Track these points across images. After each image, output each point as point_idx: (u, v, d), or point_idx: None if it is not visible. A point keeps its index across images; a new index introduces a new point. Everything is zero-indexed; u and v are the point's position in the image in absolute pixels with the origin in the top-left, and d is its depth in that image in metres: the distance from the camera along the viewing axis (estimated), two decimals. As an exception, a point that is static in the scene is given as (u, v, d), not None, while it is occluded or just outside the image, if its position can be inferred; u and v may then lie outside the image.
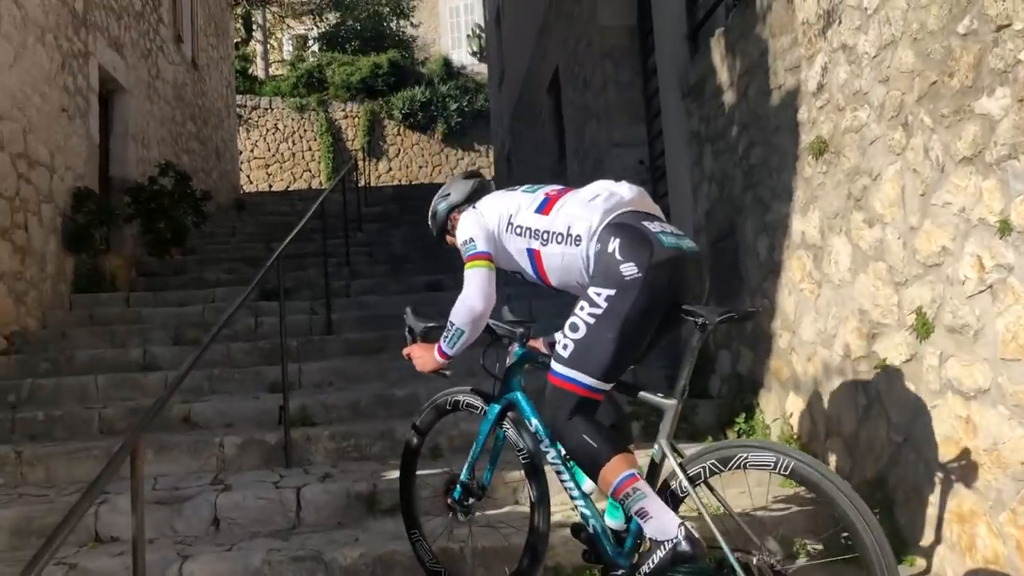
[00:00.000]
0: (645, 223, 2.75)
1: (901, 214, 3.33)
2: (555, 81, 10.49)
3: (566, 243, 2.81)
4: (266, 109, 23.15)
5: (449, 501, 3.29)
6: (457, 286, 3.06)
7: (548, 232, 2.85)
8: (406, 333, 3.35)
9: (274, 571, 3.44)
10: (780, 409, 4.48)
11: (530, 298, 6.84)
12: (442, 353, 3.07)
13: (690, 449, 2.72)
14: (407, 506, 3.52)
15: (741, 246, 4.92)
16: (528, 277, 3.01)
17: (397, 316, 7.27)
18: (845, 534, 2.68)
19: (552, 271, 2.89)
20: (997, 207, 2.77)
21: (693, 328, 2.63)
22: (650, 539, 2.55)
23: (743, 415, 4.69)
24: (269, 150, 22.91)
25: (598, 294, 2.65)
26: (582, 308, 2.67)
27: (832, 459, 3.97)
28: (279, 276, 5.29)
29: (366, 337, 6.82)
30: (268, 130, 23.03)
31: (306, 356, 6.62)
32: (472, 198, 3.19)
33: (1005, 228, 2.72)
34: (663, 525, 2.49)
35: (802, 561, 3.12)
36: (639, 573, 2.56)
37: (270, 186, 22.28)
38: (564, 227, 2.82)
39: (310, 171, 22.99)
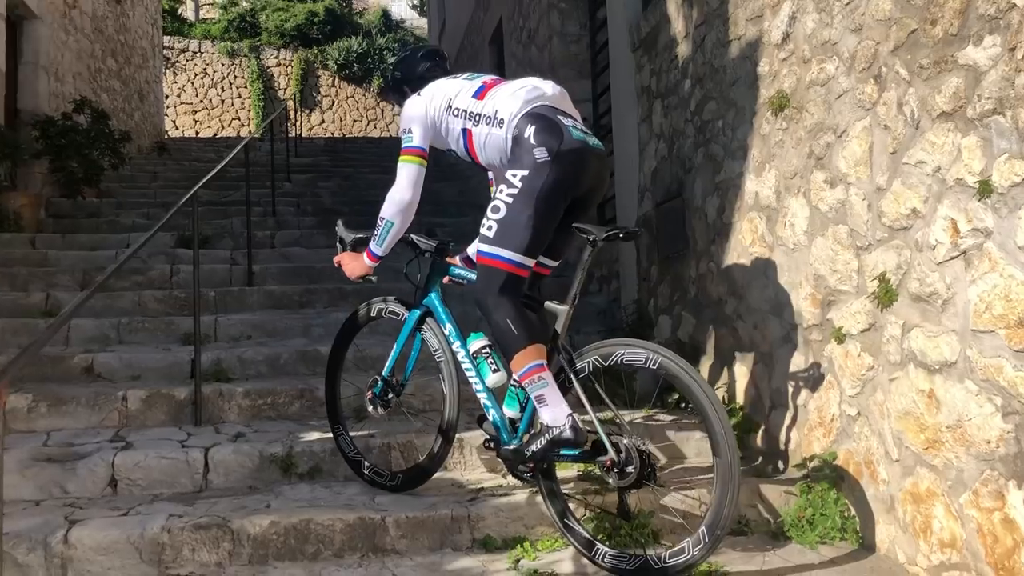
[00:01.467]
0: (559, 117, 3.10)
1: (868, 174, 3.12)
2: (498, 34, 10.13)
3: (492, 124, 3.16)
4: (195, 53, 22.18)
5: (371, 396, 3.63)
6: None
7: (479, 114, 3.20)
8: (337, 244, 3.68)
9: (174, 540, 3.10)
10: (723, 377, 4.28)
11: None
12: (371, 255, 3.44)
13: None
14: (332, 405, 3.86)
15: (689, 207, 4.70)
16: (460, 154, 3.33)
17: (324, 270, 6.96)
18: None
19: (479, 148, 3.23)
20: (977, 167, 2.56)
21: (590, 244, 3.04)
22: (541, 424, 2.97)
23: (684, 383, 4.48)
24: (197, 95, 21.99)
25: (514, 175, 2.99)
26: (501, 190, 3.01)
27: (779, 431, 3.79)
28: (194, 220, 4.88)
29: (290, 290, 6.44)
30: (196, 75, 22.09)
31: (224, 307, 6.21)
32: (421, 79, 3.48)
33: (985, 189, 2.52)
34: (556, 413, 2.91)
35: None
36: (527, 450, 3.03)
37: (197, 133, 21.41)
38: (492, 111, 3.17)
39: (239, 119, 22.15)
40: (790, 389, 3.68)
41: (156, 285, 6.63)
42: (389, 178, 10.75)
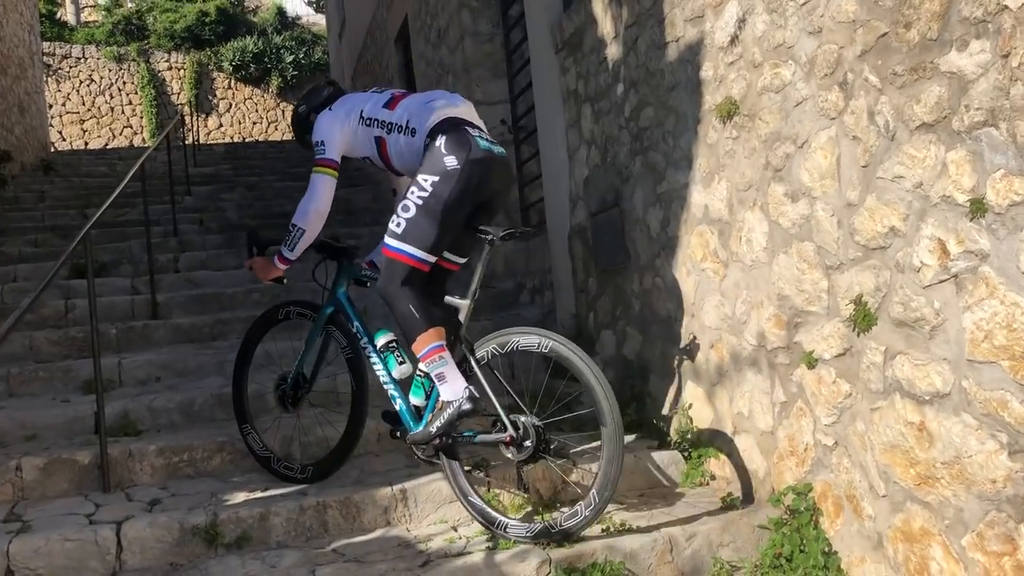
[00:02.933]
0: (467, 128, 3.38)
1: (835, 187, 2.89)
2: (404, 32, 9.72)
3: (404, 133, 3.43)
4: (79, 59, 20.99)
5: (279, 395, 3.92)
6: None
7: (391, 123, 3.47)
8: (248, 248, 3.91)
9: (85, 647, 2.69)
10: (678, 399, 4.05)
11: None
12: (283, 259, 3.66)
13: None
14: (239, 405, 4.05)
15: (628, 218, 4.44)
16: (374, 160, 3.59)
17: (236, 296, 6.48)
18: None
19: (393, 155, 3.51)
20: (967, 183, 2.35)
21: (488, 244, 3.38)
22: (442, 401, 3.27)
23: (633, 404, 4.24)
24: (84, 104, 20.82)
25: (425, 180, 3.27)
26: (412, 192, 3.28)
27: (742, 457, 3.57)
28: (87, 251, 4.37)
29: (199, 321, 5.96)
30: (82, 82, 20.91)
31: (129, 346, 5.71)
32: (327, 102, 3.69)
33: (978, 209, 2.31)
34: (455, 387, 3.22)
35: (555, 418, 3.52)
36: (432, 427, 3.31)
37: (86, 144, 20.28)
38: (404, 120, 3.45)
39: (131, 127, 21.09)
40: (755, 414, 3.45)
41: (50, 324, 6.06)
42: (297, 186, 10.28)
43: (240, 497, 3.65)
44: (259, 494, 3.69)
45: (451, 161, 3.26)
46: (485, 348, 3.40)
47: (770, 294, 3.29)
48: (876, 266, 2.73)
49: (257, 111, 22.31)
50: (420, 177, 3.30)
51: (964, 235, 2.37)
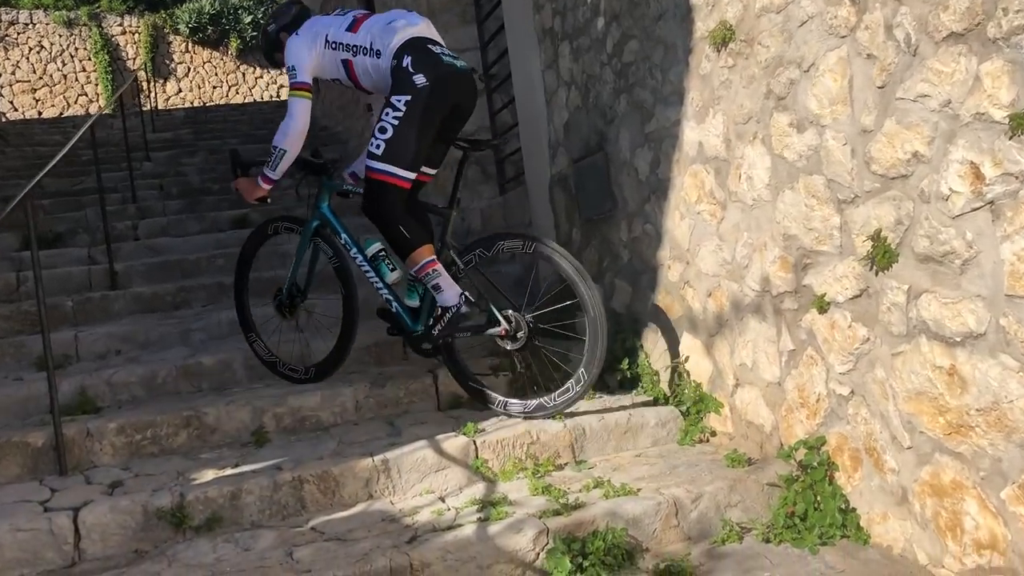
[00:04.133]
0: (430, 47, 3.59)
1: (848, 113, 2.63)
2: (366, -17, 9.29)
3: (369, 55, 3.60)
4: (26, 24, 20.15)
5: (276, 305, 4.20)
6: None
7: (356, 46, 3.63)
8: (232, 168, 4.10)
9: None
10: (672, 351, 3.81)
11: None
12: (266, 179, 3.82)
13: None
14: (242, 316, 4.38)
15: (613, 162, 4.17)
16: (344, 81, 3.77)
17: (198, 261, 6.14)
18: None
19: (361, 75, 3.69)
20: (1005, 97, 2.10)
21: (463, 154, 3.76)
22: (440, 307, 3.55)
23: (625, 360, 4.00)
24: (35, 72, 20.02)
25: (398, 100, 3.47)
26: (387, 113, 3.47)
27: (746, 410, 3.34)
28: (29, 217, 4.03)
29: (161, 290, 5.62)
30: (32, 49, 20.08)
31: (86, 318, 5.37)
32: (296, 21, 3.86)
33: (1018, 125, 2.06)
34: (451, 295, 3.51)
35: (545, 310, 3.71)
36: (434, 331, 3.61)
37: (40, 113, 19.56)
38: (368, 42, 3.61)
39: (86, 95, 20.35)
40: (760, 364, 3.22)
41: (1, 298, 5.71)
42: (261, 149, 9.79)
43: (209, 475, 3.38)
44: (229, 471, 3.42)
45: (419, 79, 3.43)
46: (472, 252, 3.67)
47: (775, 235, 3.04)
48: (897, 197, 2.48)
49: (217, 74, 21.62)
50: (392, 98, 3.46)
51: (1002, 155, 2.12)
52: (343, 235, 3.91)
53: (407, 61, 3.48)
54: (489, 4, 6.43)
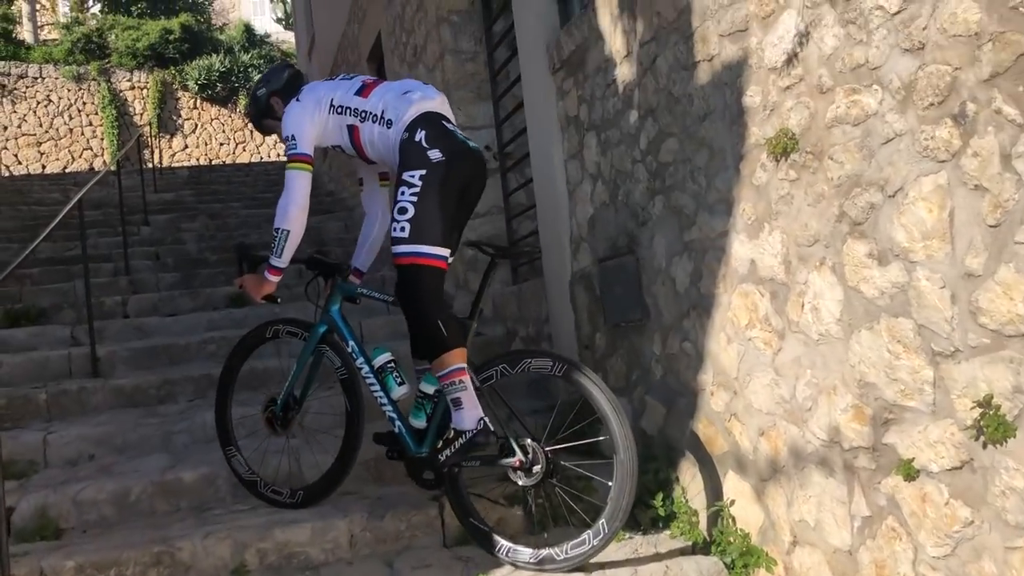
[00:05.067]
0: (444, 123, 3.35)
1: (946, 251, 2.21)
2: (377, 50, 9.03)
3: (379, 123, 3.35)
4: (35, 78, 20.07)
5: (268, 416, 3.73)
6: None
7: (365, 112, 3.38)
8: (238, 265, 3.68)
9: None
10: (714, 491, 3.35)
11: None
12: (272, 269, 3.45)
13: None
14: (222, 427, 3.89)
15: (646, 268, 3.75)
16: (346, 149, 3.50)
17: (190, 348, 5.69)
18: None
19: (366, 144, 3.43)
20: None
21: (490, 262, 3.42)
22: (453, 428, 3.16)
23: (659, 495, 3.52)
24: (41, 125, 19.88)
25: (412, 175, 3.17)
26: (403, 192, 3.16)
27: (807, 575, 2.87)
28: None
29: (145, 382, 5.16)
30: (39, 102, 19.99)
31: (60, 412, 4.93)
32: (290, 85, 3.62)
33: None
34: (471, 417, 3.11)
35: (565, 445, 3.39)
36: (440, 456, 3.21)
37: (43, 167, 19.37)
38: (379, 110, 3.36)
39: (91, 149, 20.17)
40: (826, 526, 2.76)
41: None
42: (264, 214, 9.46)
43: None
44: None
45: (435, 154, 3.18)
46: (493, 368, 3.30)
47: (847, 379, 2.60)
48: (1015, 360, 2.04)
49: (224, 131, 21.47)
50: (405, 175, 3.19)
51: None
52: (351, 342, 3.54)
53: (420, 135, 3.23)
54: (506, 82, 6.12)
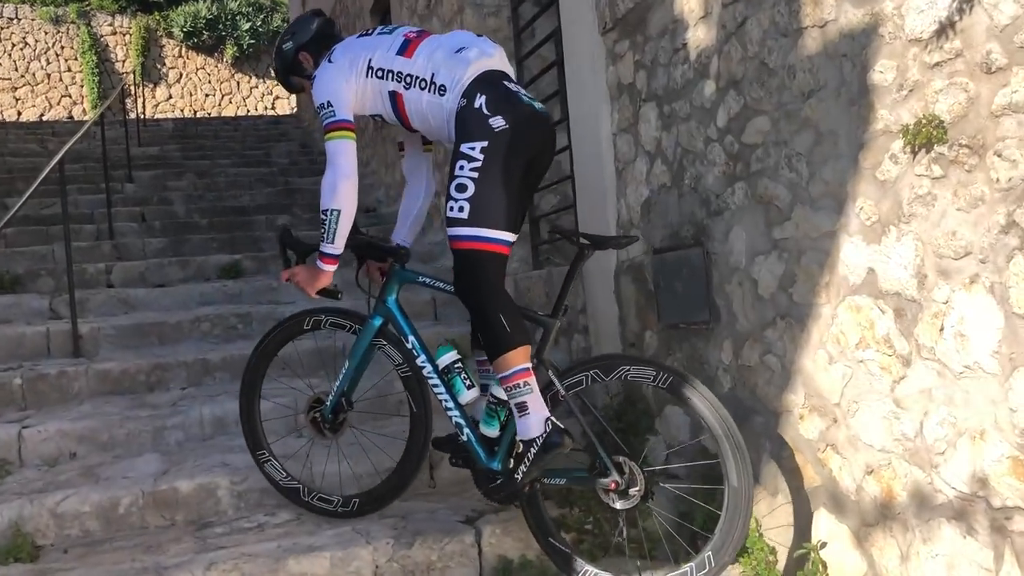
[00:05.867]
0: (506, 83, 2.92)
1: None
2: (383, 1, 8.41)
3: (429, 90, 2.90)
4: (11, 19, 19.13)
5: (315, 418, 3.27)
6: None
7: (411, 76, 2.92)
8: (283, 255, 3.23)
9: None
10: (800, 529, 2.91)
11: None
12: (326, 258, 3.00)
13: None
14: (250, 428, 3.42)
15: (718, 265, 3.27)
16: (388, 119, 3.05)
17: (180, 325, 5.15)
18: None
19: (413, 114, 2.98)
20: None
21: (578, 253, 2.97)
22: (520, 441, 2.77)
23: (728, 524, 3.08)
24: (16, 69, 18.99)
25: (472, 148, 2.76)
26: (462, 167, 2.75)
27: (923, 644, 2.44)
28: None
29: (133, 366, 4.62)
30: (15, 45, 19.07)
31: (37, 400, 4.41)
32: (320, 38, 3.18)
33: None
34: (537, 421, 2.72)
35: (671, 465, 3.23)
36: (517, 474, 2.80)
37: (19, 113, 18.55)
38: (428, 73, 2.90)
39: (70, 96, 19.33)
40: (958, 593, 2.32)
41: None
42: (254, 172, 8.87)
43: None
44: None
45: (497, 122, 2.78)
46: (583, 373, 2.91)
47: (1002, 423, 2.14)
48: None
49: (210, 82, 20.65)
50: (464, 147, 2.78)
51: None
52: (411, 337, 3.12)
53: (480, 101, 2.81)
54: (532, 41, 5.57)
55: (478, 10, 5.98)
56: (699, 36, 3.31)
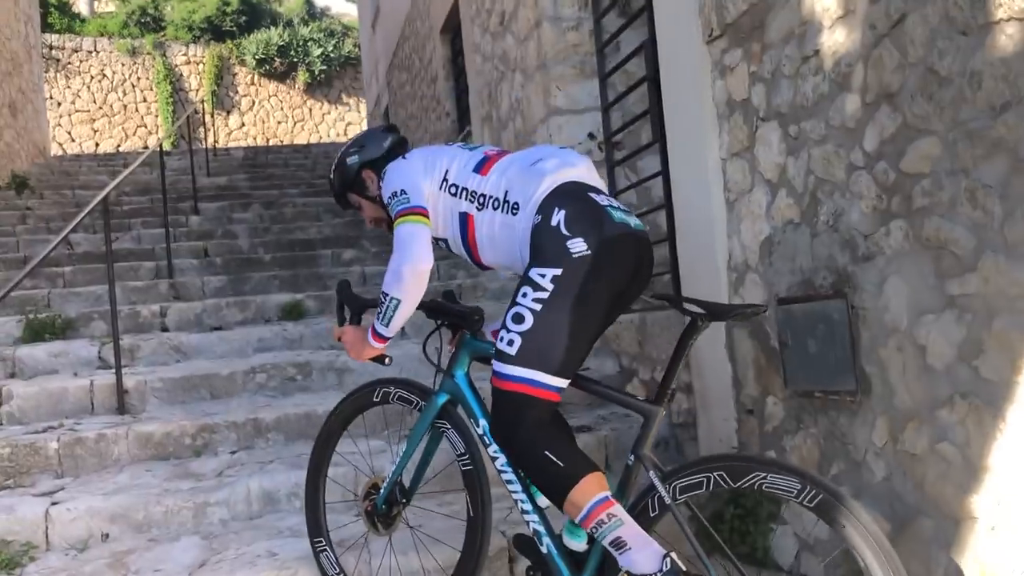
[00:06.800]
0: (592, 195, 2.45)
1: None
2: (453, 19, 7.95)
3: (502, 210, 2.50)
4: (90, 52, 19.39)
5: (369, 509, 2.83)
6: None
7: (484, 196, 2.53)
8: (338, 311, 2.86)
9: None
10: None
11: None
12: (377, 336, 2.63)
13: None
14: (312, 512, 3.02)
15: (867, 322, 2.62)
16: (454, 247, 2.65)
17: (233, 377, 4.61)
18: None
19: (483, 241, 2.56)
20: None
21: (690, 324, 2.35)
22: (626, 571, 2.21)
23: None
24: (95, 101, 19.21)
25: (542, 275, 2.33)
26: (525, 295, 2.34)
27: None
28: None
29: (177, 428, 4.13)
30: (93, 77, 19.31)
31: (74, 468, 3.97)
32: (390, 156, 2.78)
33: None
34: (645, 558, 2.16)
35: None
36: None
37: (96, 145, 18.73)
38: (501, 191, 2.51)
39: (145, 126, 19.48)
40: None
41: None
42: (322, 202, 8.50)
43: None
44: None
45: (578, 245, 2.31)
46: (703, 475, 2.24)
47: None
48: None
49: (282, 109, 20.60)
50: (535, 272, 2.34)
51: None
52: (481, 420, 2.58)
53: (558, 218, 2.35)
54: (616, 56, 5.01)
55: (556, 24, 5.44)
56: (837, 40, 2.68)
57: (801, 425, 3.00)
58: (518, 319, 2.33)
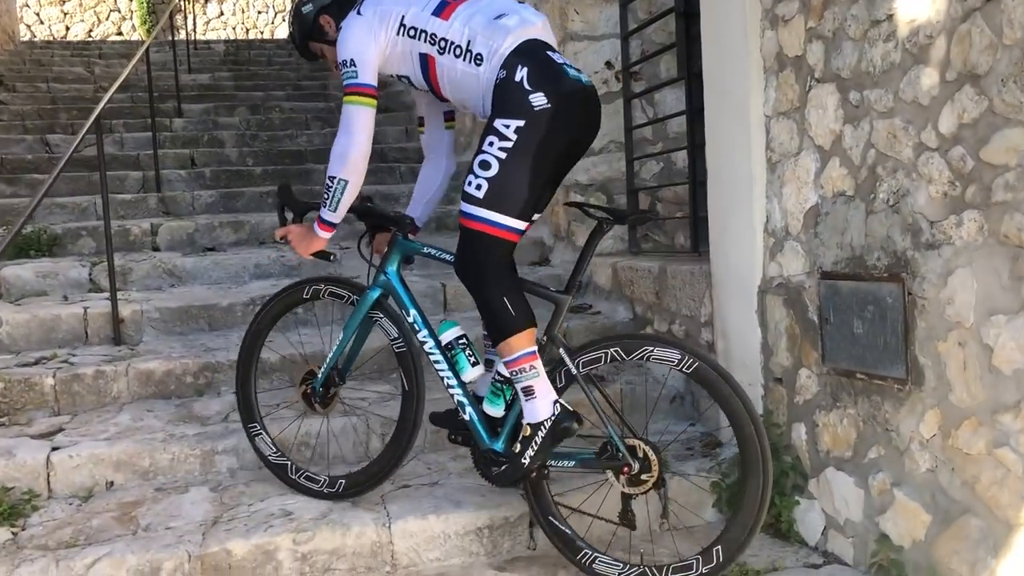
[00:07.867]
0: (550, 54, 2.75)
1: None
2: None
3: (464, 59, 2.74)
4: (58, -73, 18.30)
5: (306, 391, 3.19)
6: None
7: (446, 41, 2.76)
8: (280, 212, 3.16)
9: None
10: None
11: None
12: (324, 224, 2.91)
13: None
14: (245, 401, 3.32)
15: (926, 313, 2.51)
16: (416, 82, 2.89)
17: (232, 309, 4.39)
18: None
19: (445, 82, 2.83)
20: None
21: (596, 227, 2.86)
22: (527, 424, 2.73)
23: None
24: (64, -18, 18.26)
25: (507, 126, 2.64)
26: (491, 143, 2.65)
27: None
28: None
29: (178, 366, 3.98)
30: (62, -45, 18.29)
31: (71, 405, 3.83)
32: (343, 1, 2.93)
33: None
34: (544, 405, 2.70)
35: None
36: (524, 459, 2.73)
37: (67, 29, 17.88)
38: (464, 40, 2.74)
39: (119, 11, 18.55)
40: None
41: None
42: (310, 108, 8.18)
43: None
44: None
45: (538, 99, 2.63)
46: (602, 350, 2.81)
47: None
48: None
49: (262, -2, 19.73)
50: (499, 123, 2.66)
51: None
52: (412, 311, 3.01)
53: (521, 74, 2.65)
54: (643, -20, 4.74)
55: (574, -59, 5.12)
56: (916, 8, 2.48)
57: (838, 403, 2.92)
58: (485, 166, 2.64)
